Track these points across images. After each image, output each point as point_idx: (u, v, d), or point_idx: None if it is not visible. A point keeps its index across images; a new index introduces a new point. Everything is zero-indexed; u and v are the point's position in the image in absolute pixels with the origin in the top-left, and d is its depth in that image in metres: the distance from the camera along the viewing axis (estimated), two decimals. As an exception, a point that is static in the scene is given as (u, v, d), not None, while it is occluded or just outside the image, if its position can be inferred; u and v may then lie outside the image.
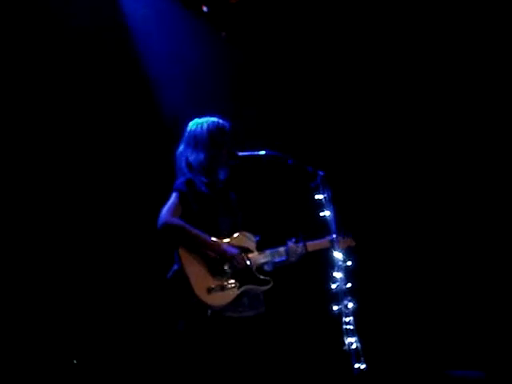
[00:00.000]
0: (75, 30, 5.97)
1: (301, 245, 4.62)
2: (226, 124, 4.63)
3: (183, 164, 4.59)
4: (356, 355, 4.36)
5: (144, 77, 6.31)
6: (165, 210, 4.38)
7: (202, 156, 4.54)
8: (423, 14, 6.39)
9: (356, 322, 4.39)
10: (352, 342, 4.38)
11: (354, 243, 4.85)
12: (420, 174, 6.46)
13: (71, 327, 5.81)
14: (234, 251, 4.39)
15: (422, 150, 6.49)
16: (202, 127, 4.59)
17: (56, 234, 5.88)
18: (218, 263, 4.35)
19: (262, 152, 4.60)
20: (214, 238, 4.38)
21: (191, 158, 4.57)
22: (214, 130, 4.57)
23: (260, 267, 4.51)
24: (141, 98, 6.26)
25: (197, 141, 4.57)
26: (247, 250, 4.50)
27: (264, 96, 6.48)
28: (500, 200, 6.30)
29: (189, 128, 4.64)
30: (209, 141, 4.55)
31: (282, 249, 4.60)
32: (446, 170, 6.43)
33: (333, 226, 4.56)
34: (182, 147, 4.63)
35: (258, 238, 4.60)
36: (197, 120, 4.65)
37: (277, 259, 4.58)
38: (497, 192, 6.31)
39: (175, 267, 4.35)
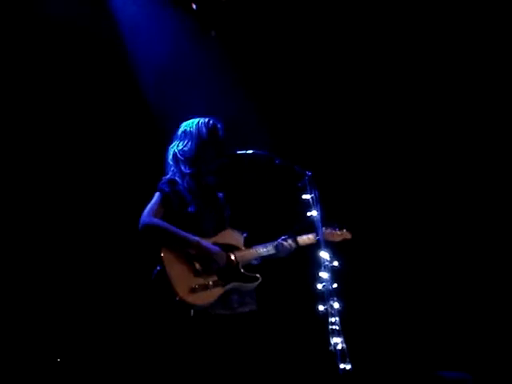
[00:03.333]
0: (63, 28, 5.95)
1: (291, 240, 4.65)
2: (219, 124, 4.64)
3: (170, 156, 4.62)
4: (341, 355, 4.35)
5: (134, 77, 6.29)
6: (146, 210, 4.41)
7: (188, 146, 4.57)
8: (422, 15, 6.38)
9: (342, 323, 4.38)
10: (338, 342, 4.36)
11: (349, 236, 4.89)
12: (407, 175, 6.46)
13: (55, 328, 5.77)
14: (215, 249, 4.37)
15: (410, 149, 6.49)
16: (192, 123, 4.64)
17: (37, 231, 5.85)
18: (200, 262, 4.33)
19: (250, 151, 4.60)
20: (195, 237, 4.36)
21: (178, 148, 4.59)
22: (203, 126, 4.60)
23: (248, 263, 4.51)
24: (130, 98, 6.23)
25: (186, 133, 4.62)
26: (234, 247, 4.50)
27: (253, 94, 6.46)
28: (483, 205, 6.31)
29: (182, 125, 4.68)
30: (197, 133, 4.59)
31: (270, 244, 4.63)
32: (433, 170, 6.43)
33: (319, 226, 4.55)
34: (172, 143, 4.66)
35: (245, 235, 4.62)
36: (191, 121, 4.67)
37: (265, 254, 4.60)
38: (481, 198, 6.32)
39: (158, 268, 4.34)
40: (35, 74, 5.93)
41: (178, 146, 4.60)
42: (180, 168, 4.57)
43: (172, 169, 4.61)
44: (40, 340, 5.73)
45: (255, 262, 4.59)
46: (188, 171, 4.55)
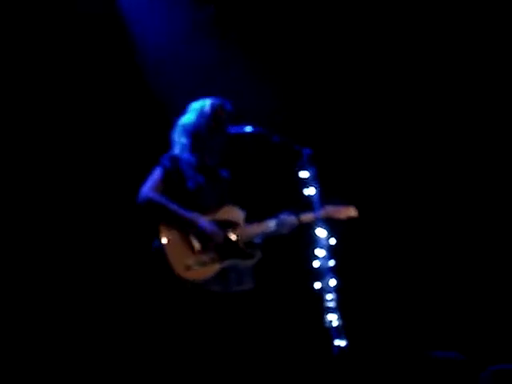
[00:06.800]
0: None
1: (293, 217, 4.65)
2: (228, 105, 4.68)
3: (176, 129, 4.63)
4: (337, 332, 4.38)
5: (141, 68, 6.28)
6: (146, 184, 4.43)
7: (193, 120, 4.60)
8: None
9: (338, 300, 4.41)
10: (333, 319, 4.40)
11: (355, 213, 4.88)
12: (411, 154, 6.46)
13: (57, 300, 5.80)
14: (212, 227, 4.39)
15: (415, 130, 6.47)
16: (203, 101, 4.66)
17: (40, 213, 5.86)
18: (198, 239, 4.36)
19: (248, 128, 4.61)
20: (193, 214, 4.38)
21: (183, 121, 4.62)
22: (211, 104, 4.63)
23: (249, 240, 4.54)
24: (134, 86, 6.21)
25: (194, 109, 4.64)
26: (235, 224, 4.52)
27: (256, 73, 6.43)
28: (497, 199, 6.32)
29: (191, 104, 4.70)
30: (204, 109, 4.61)
31: (272, 221, 4.64)
32: (437, 150, 6.43)
33: (318, 204, 4.56)
34: (180, 118, 4.68)
35: (245, 212, 4.63)
36: (200, 99, 4.69)
37: (266, 231, 4.61)
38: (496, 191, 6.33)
39: (155, 243, 4.37)
40: (38, 65, 5.92)
41: (186, 120, 4.63)
42: (182, 140, 4.60)
43: (177, 142, 4.64)
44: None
45: (257, 240, 4.61)
46: (189, 143, 4.57)
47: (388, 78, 6.48)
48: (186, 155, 4.58)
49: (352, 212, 4.89)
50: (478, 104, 6.37)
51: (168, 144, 4.73)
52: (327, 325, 4.38)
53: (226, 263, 4.39)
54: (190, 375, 4.28)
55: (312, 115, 6.44)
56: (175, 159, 4.54)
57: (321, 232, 4.51)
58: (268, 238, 4.66)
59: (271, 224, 4.64)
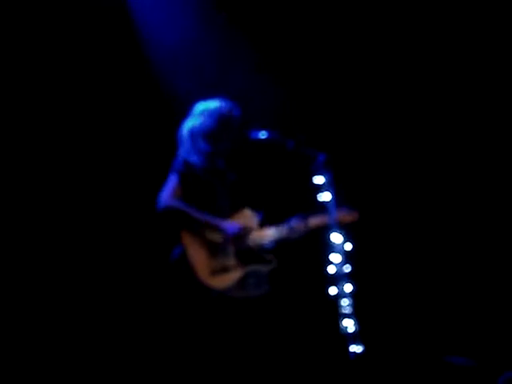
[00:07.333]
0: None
1: (303, 222, 4.64)
2: (237, 108, 4.65)
3: (185, 131, 4.59)
4: (353, 338, 4.37)
5: (149, 64, 6.28)
6: (165, 192, 4.41)
7: (207, 123, 4.54)
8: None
9: (354, 305, 4.40)
10: (349, 325, 4.39)
11: (357, 216, 4.83)
12: (423, 159, 6.42)
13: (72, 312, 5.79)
14: (236, 229, 4.38)
15: (425, 135, 6.45)
16: (213, 102, 4.62)
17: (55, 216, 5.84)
18: (220, 244, 4.35)
19: (263, 133, 4.59)
20: (215, 219, 4.38)
21: (195, 124, 4.56)
22: (223, 106, 4.59)
23: (261, 245, 4.53)
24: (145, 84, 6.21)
25: (205, 111, 4.59)
26: (249, 228, 4.52)
27: (268, 76, 6.42)
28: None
29: (199, 104, 4.65)
30: (218, 112, 4.57)
31: (284, 226, 4.62)
32: (448, 156, 6.41)
33: (332, 209, 4.55)
34: (188, 119, 4.63)
35: (260, 216, 4.62)
36: (209, 100, 4.65)
37: (279, 236, 4.60)
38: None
39: (178, 250, 4.36)
40: (44, 60, 5.91)
41: (195, 122, 4.58)
42: (196, 144, 4.56)
43: (186, 145, 4.59)
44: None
45: (269, 246, 4.61)
46: (204, 148, 4.55)
47: (402, 84, 6.44)
48: (198, 158, 4.56)
49: (354, 216, 4.85)
50: (493, 114, 6.35)
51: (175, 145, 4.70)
52: (343, 331, 4.37)
53: (248, 269, 4.39)
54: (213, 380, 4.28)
55: (323, 118, 6.43)
56: (188, 163, 4.52)
57: (336, 237, 4.50)
58: (280, 243, 4.65)
59: (283, 228, 4.63)
